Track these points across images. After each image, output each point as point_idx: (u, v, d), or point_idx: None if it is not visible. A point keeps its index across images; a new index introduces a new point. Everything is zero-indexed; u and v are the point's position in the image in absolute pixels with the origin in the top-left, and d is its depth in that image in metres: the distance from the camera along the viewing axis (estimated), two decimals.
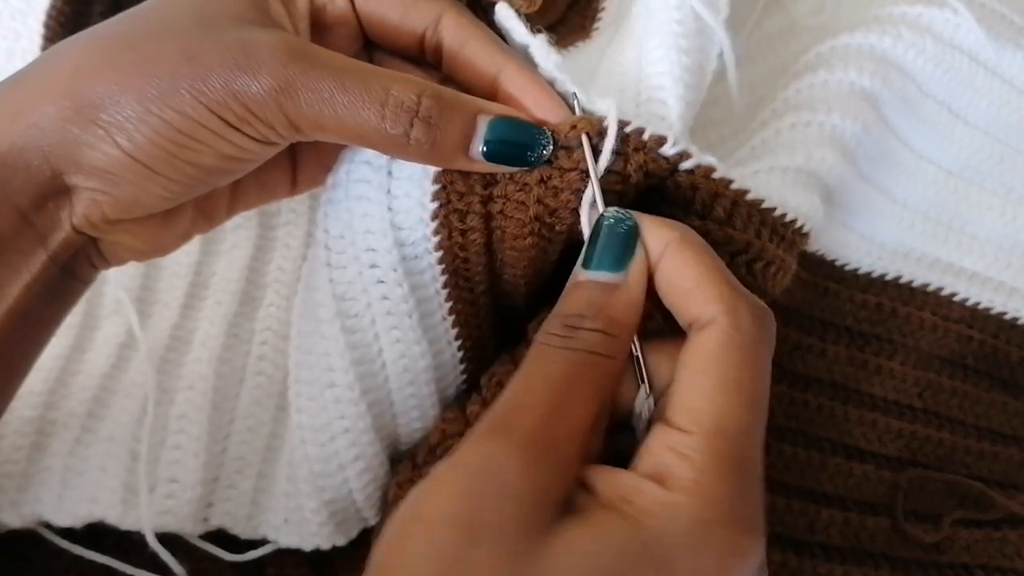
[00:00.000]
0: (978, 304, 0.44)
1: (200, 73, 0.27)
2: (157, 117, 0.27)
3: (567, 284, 0.28)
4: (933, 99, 0.43)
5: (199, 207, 0.33)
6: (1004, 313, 0.44)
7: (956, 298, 0.44)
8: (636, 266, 0.27)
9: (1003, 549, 0.41)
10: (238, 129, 0.28)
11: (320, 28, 0.32)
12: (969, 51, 0.42)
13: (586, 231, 0.29)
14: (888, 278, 0.44)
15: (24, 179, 0.28)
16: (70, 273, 0.31)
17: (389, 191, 0.32)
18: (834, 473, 0.41)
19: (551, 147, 0.29)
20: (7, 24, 0.46)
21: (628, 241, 0.28)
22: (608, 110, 0.30)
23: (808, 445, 0.41)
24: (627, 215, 0.28)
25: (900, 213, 0.44)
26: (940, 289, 0.44)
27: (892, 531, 0.40)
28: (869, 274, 0.44)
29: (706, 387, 0.25)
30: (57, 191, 0.28)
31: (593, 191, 0.29)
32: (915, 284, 0.44)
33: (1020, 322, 0.44)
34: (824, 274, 0.44)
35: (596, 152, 0.29)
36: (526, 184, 0.30)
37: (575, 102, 0.30)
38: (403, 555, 0.24)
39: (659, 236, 0.28)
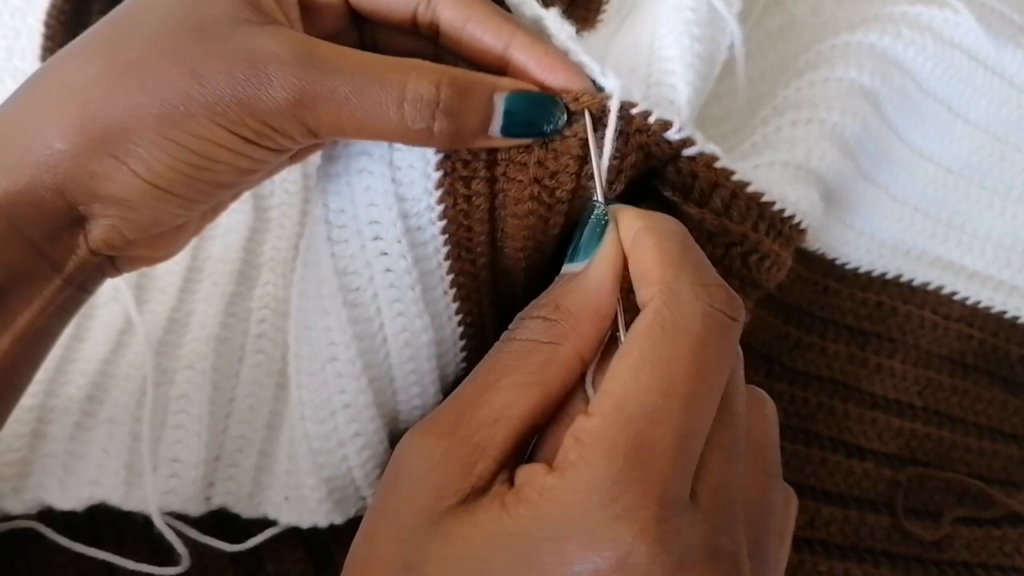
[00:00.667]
0: (978, 303, 0.44)
1: (212, 93, 0.26)
2: (174, 143, 0.27)
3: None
4: (933, 97, 0.43)
5: (211, 207, 0.33)
6: (1004, 312, 0.44)
7: (956, 297, 0.44)
8: (597, 256, 0.27)
9: (1003, 547, 0.41)
10: (256, 144, 0.28)
11: (308, 9, 0.31)
12: (969, 49, 0.43)
13: (599, 186, 0.29)
14: (888, 276, 0.44)
15: (37, 215, 0.27)
16: (83, 289, 0.30)
17: (391, 163, 0.32)
18: (834, 470, 0.41)
19: (565, 116, 0.29)
20: (7, 22, 0.46)
21: (596, 233, 0.28)
22: (613, 89, 0.29)
23: (808, 443, 0.41)
24: (598, 204, 0.28)
25: (900, 211, 0.44)
26: (940, 288, 0.44)
27: (892, 529, 0.40)
28: (869, 272, 0.44)
29: (620, 368, 0.24)
30: (73, 222, 0.28)
31: (594, 169, 0.29)
32: (915, 283, 0.44)
33: (1020, 321, 0.44)
34: (824, 272, 0.44)
35: (599, 126, 0.29)
36: (527, 145, 0.30)
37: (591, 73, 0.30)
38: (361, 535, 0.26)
39: (629, 227, 0.27)
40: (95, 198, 0.27)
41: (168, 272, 0.41)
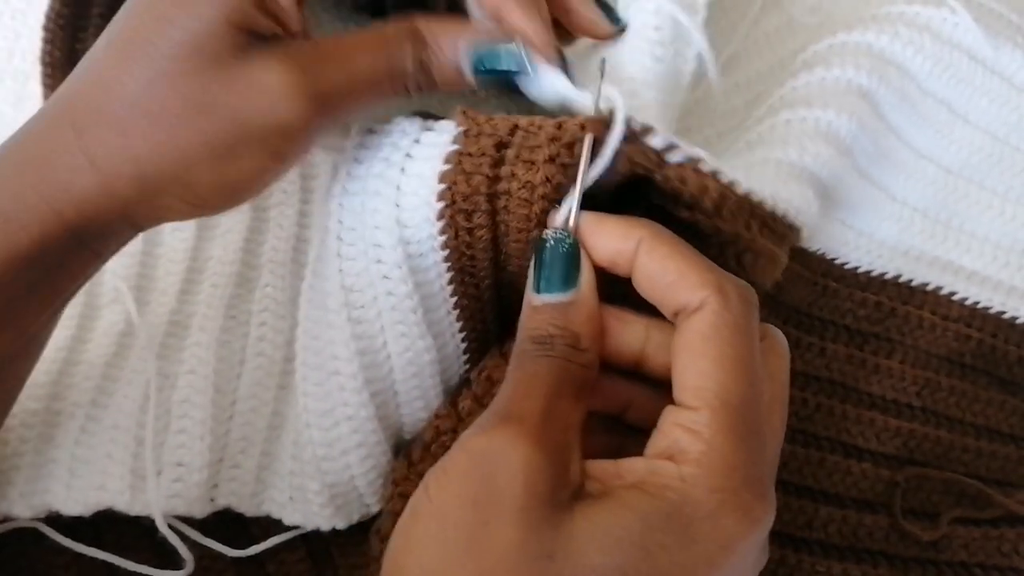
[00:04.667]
0: (977, 303, 0.44)
1: (241, 134, 0.29)
2: (223, 178, 0.30)
3: (523, 306, 0.29)
4: (933, 97, 0.43)
5: None
6: (1003, 312, 0.44)
7: (955, 297, 0.44)
8: (586, 280, 0.29)
9: (1001, 547, 0.41)
10: (283, 161, 0.31)
11: None
12: (968, 49, 0.42)
13: (566, 211, 0.30)
14: (888, 277, 0.44)
15: (104, 232, 0.31)
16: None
17: (399, 187, 0.32)
18: (832, 471, 0.41)
19: (528, 57, 0.31)
20: (7, 24, 0.46)
21: (572, 260, 0.29)
22: (616, 107, 0.30)
23: (807, 443, 0.42)
24: (566, 234, 0.29)
25: (900, 211, 0.44)
26: (939, 288, 0.44)
27: (890, 529, 0.40)
28: (869, 273, 0.44)
29: (705, 366, 0.26)
30: (135, 230, 0.32)
31: (577, 192, 0.29)
32: (915, 283, 0.44)
33: (1019, 321, 0.44)
34: (823, 272, 0.44)
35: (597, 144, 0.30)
36: (529, 183, 0.30)
37: (601, 70, 0.31)
38: (413, 540, 0.25)
39: (628, 236, 0.28)
40: (159, 221, 0.32)
41: (168, 273, 0.41)
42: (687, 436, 0.26)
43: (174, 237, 0.42)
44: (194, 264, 0.42)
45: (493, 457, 0.25)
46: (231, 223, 0.42)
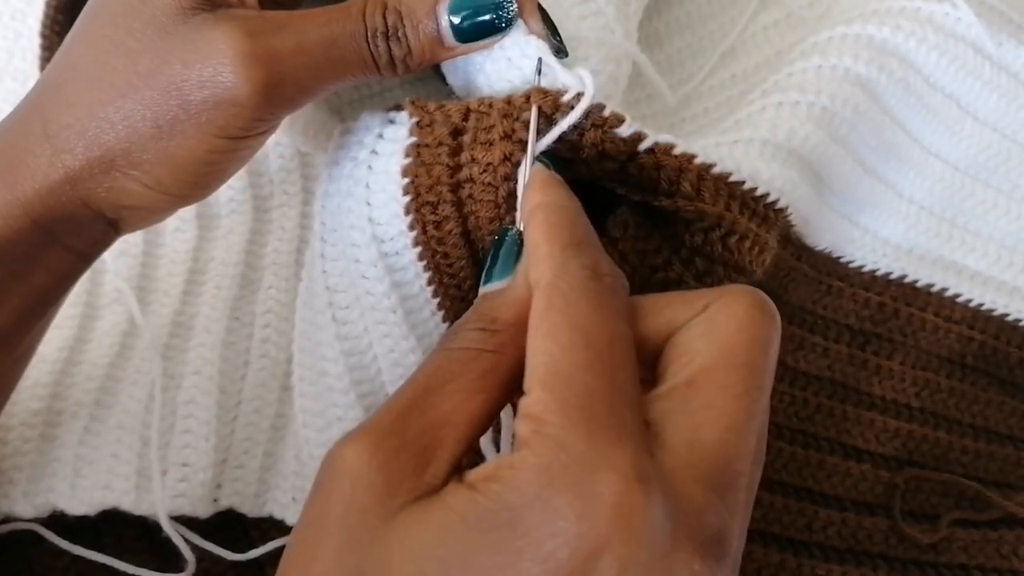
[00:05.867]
0: (980, 305, 0.44)
1: (193, 107, 0.28)
2: (172, 157, 0.29)
3: None
4: (942, 92, 0.43)
5: None
6: (1006, 315, 0.44)
7: (959, 299, 0.44)
8: (521, 270, 0.27)
9: (1000, 549, 0.41)
10: (248, 136, 0.30)
11: None
12: (973, 43, 0.42)
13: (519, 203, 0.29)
14: (892, 277, 0.44)
15: (70, 223, 0.30)
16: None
17: (368, 185, 0.32)
18: (832, 472, 0.41)
19: (514, 4, 0.30)
20: (7, 24, 0.46)
21: (513, 251, 0.27)
22: (580, 84, 0.29)
23: (807, 444, 0.41)
24: (511, 228, 0.28)
25: (907, 209, 0.44)
26: (944, 290, 0.44)
27: (890, 531, 0.40)
28: (873, 272, 0.44)
29: (537, 344, 0.24)
30: (105, 223, 0.31)
31: (527, 162, 0.29)
32: (919, 284, 0.44)
33: (1022, 323, 0.44)
34: (828, 271, 0.43)
35: (552, 123, 0.29)
36: (490, 164, 0.30)
37: (538, 68, 0.30)
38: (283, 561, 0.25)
39: (528, 200, 0.27)
40: (119, 207, 0.30)
41: (170, 274, 0.41)
42: (523, 422, 0.23)
43: (175, 238, 0.42)
44: (196, 265, 0.42)
45: (328, 469, 0.24)
46: (233, 224, 0.42)
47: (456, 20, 0.30)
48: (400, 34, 0.30)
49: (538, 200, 0.27)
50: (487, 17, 0.30)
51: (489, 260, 0.28)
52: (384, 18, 0.29)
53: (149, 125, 0.28)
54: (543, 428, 0.22)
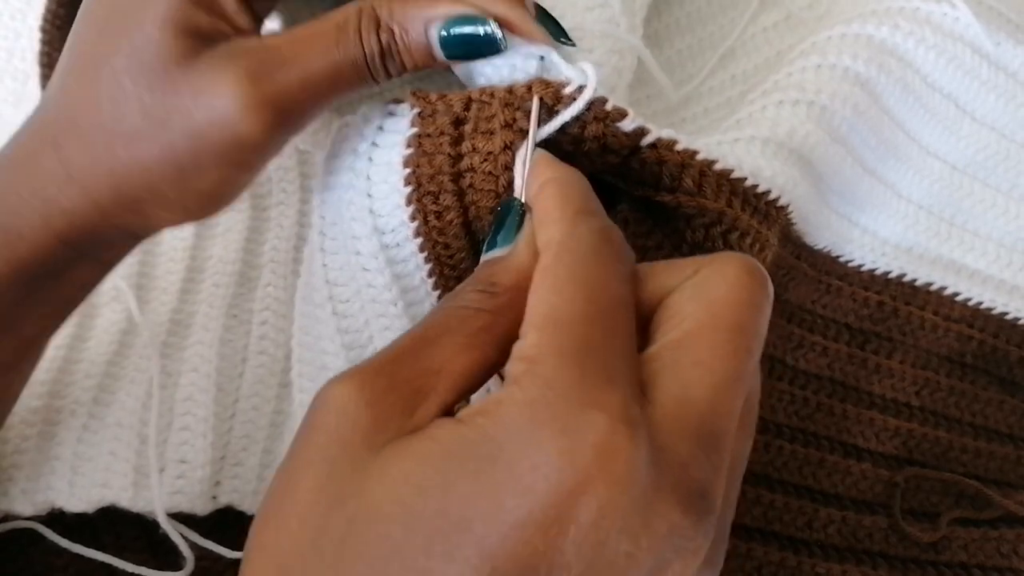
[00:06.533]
0: (980, 304, 0.44)
1: (201, 147, 0.29)
2: (194, 189, 0.30)
3: None
4: (940, 92, 0.43)
5: None
6: (1005, 313, 0.44)
7: (958, 298, 0.44)
8: (523, 238, 0.27)
9: (1000, 548, 0.41)
10: (250, 169, 0.31)
11: None
12: (971, 43, 0.42)
13: (519, 188, 0.29)
14: (891, 276, 0.44)
15: (101, 242, 0.32)
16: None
17: (369, 177, 0.32)
18: (832, 471, 0.41)
19: (497, 31, 0.30)
20: (7, 24, 0.46)
21: (515, 219, 0.27)
22: (584, 77, 0.29)
23: (807, 443, 0.41)
24: (515, 199, 0.28)
25: (906, 209, 0.44)
26: (943, 288, 0.44)
27: (890, 530, 0.40)
28: (873, 271, 0.44)
29: (542, 294, 0.24)
30: (135, 239, 0.33)
31: (526, 154, 0.29)
32: (918, 283, 0.44)
33: (1021, 322, 0.44)
34: (827, 270, 0.43)
35: (554, 114, 0.29)
36: (490, 153, 0.30)
37: (539, 60, 0.30)
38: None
39: (537, 176, 0.28)
40: (149, 229, 0.32)
41: (168, 272, 0.42)
42: (516, 362, 0.23)
43: (173, 236, 0.42)
44: (194, 263, 0.42)
45: (315, 406, 0.24)
46: (231, 222, 0.42)
47: (444, 40, 0.30)
48: (394, 51, 0.30)
49: (549, 175, 0.28)
50: (470, 43, 0.30)
51: (492, 229, 0.28)
52: (379, 38, 0.30)
53: (170, 167, 0.30)
54: (535, 367, 0.22)
